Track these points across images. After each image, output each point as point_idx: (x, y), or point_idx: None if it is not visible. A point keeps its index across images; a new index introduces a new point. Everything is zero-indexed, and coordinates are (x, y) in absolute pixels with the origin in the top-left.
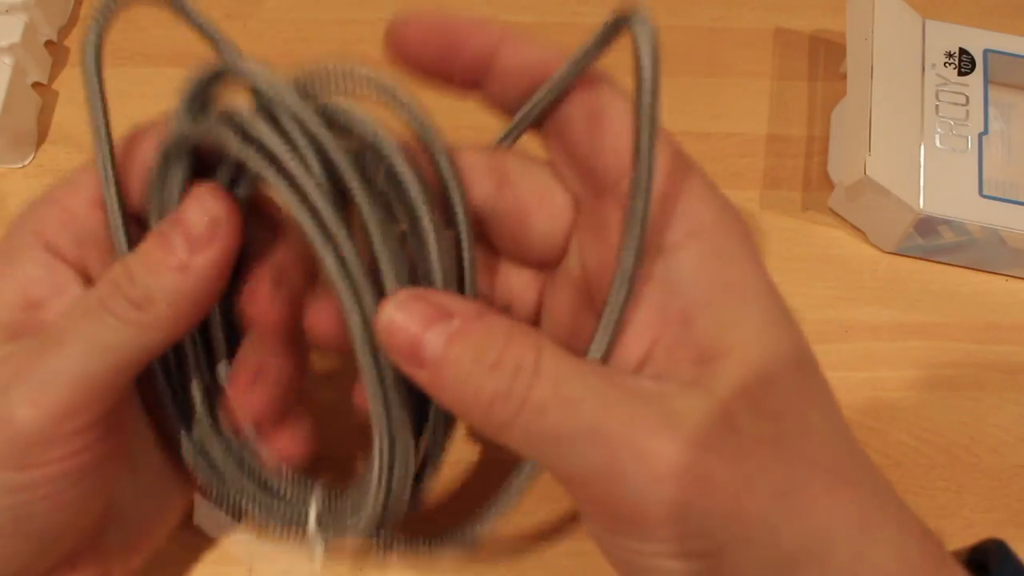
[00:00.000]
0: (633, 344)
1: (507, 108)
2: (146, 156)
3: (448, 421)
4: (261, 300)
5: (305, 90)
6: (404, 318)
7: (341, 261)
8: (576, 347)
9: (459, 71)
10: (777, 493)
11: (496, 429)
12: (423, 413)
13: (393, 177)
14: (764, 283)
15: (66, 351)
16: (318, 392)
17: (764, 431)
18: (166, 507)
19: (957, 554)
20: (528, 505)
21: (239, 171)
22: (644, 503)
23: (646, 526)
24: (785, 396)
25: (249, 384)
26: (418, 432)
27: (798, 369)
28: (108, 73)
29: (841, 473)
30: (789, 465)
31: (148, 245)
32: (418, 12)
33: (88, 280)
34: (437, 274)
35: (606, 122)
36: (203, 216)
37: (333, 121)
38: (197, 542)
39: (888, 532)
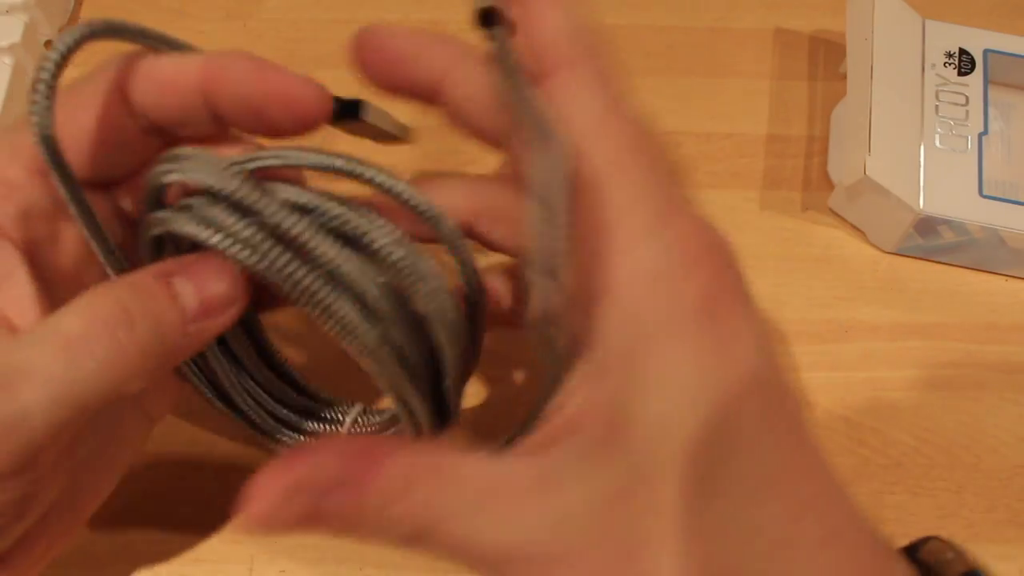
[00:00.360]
0: (567, 403)
1: (466, 126)
2: (88, 118)
3: (475, 345)
4: None
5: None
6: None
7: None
8: None
9: (415, 88)
10: None
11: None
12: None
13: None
14: (693, 335)
15: (34, 393)
16: None
17: (644, 530)
18: (107, 477)
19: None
20: None
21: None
22: None
23: None
24: (679, 488)
25: None
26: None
27: (705, 450)
28: None
29: (726, 568)
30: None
31: (153, 290)
32: (380, 27)
33: (33, 256)
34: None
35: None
36: (221, 283)
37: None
38: (197, 540)
39: None
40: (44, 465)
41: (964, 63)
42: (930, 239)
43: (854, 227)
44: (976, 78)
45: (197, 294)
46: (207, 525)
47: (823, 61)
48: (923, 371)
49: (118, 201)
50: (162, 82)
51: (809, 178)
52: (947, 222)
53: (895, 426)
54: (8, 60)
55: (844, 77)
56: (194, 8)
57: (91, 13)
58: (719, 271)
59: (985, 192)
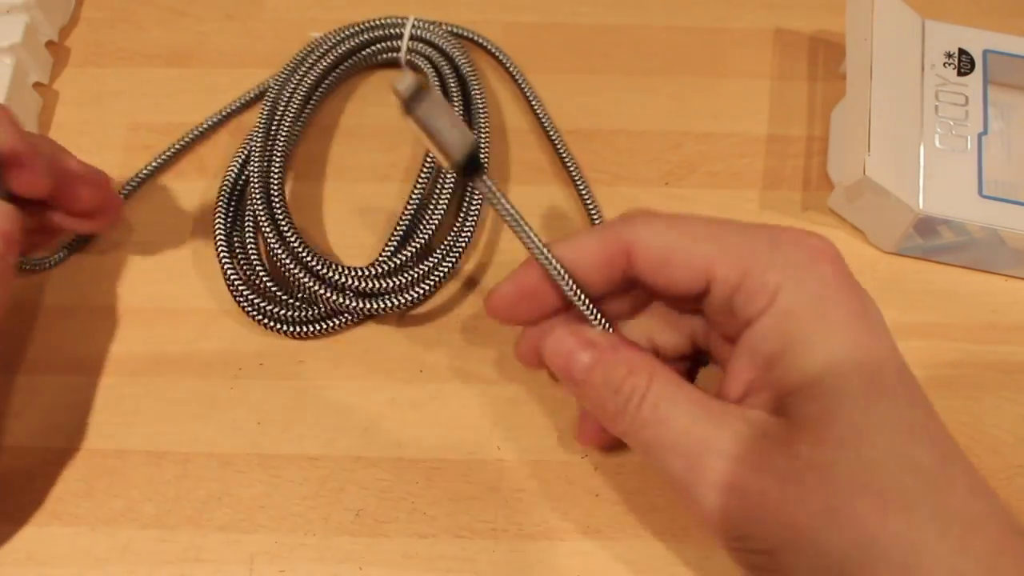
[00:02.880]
0: (734, 384)
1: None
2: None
3: None
4: None
5: None
6: (564, 340)
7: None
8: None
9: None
10: (822, 510)
11: (616, 432)
12: None
13: None
14: (834, 321)
15: None
16: None
17: (819, 458)
18: None
19: None
20: (530, 506)
21: None
22: (707, 507)
23: (709, 524)
24: (845, 426)
25: None
26: None
27: (865, 397)
28: (108, 73)
29: (894, 496)
30: (837, 487)
31: None
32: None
33: None
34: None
35: None
36: (7, 224)
37: None
38: (197, 540)
39: (945, 552)
40: None
41: (964, 63)
42: (930, 239)
43: (854, 227)
44: (976, 78)
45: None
46: (207, 525)
47: (823, 61)
48: (923, 371)
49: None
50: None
51: (809, 178)
52: (947, 222)
53: None
54: (8, 60)
55: (844, 77)
56: (194, 8)
57: (91, 13)
58: (851, 282)
59: (985, 192)
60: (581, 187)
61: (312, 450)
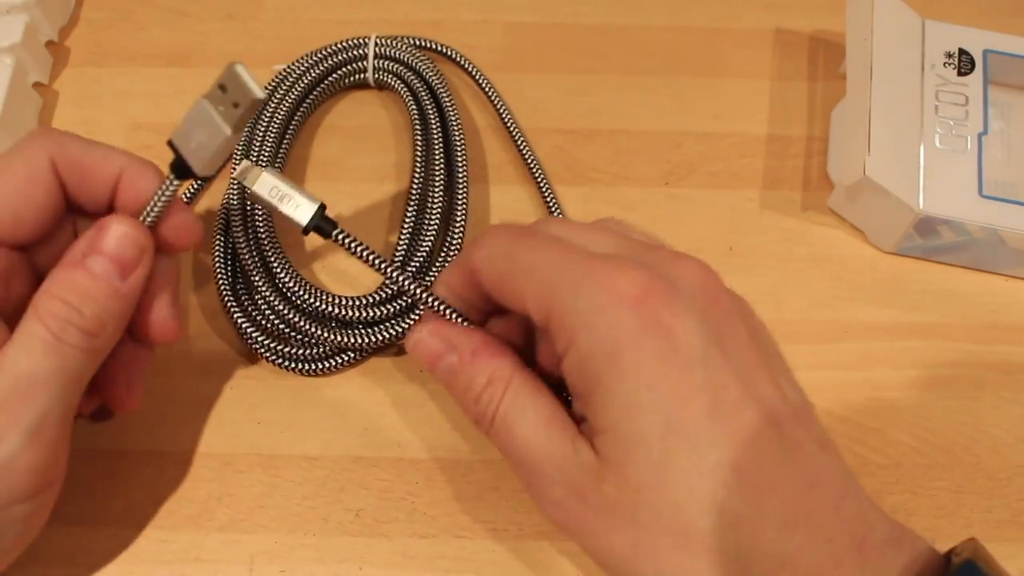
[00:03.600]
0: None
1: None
2: (16, 188)
3: None
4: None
5: None
6: (427, 343)
7: None
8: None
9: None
10: (630, 544)
11: (478, 431)
12: None
13: None
14: (628, 366)
15: (47, 391)
16: None
17: (623, 500)
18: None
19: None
20: (530, 506)
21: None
22: (548, 517)
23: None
24: (644, 471)
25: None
26: None
27: (662, 442)
28: (108, 73)
29: (695, 537)
30: (641, 526)
31: (77, 276)
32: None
33: None
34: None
35: None
36: (127, 244)
37: None
38: (197, 540)
39: None
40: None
41: (964, 63)
42: (930, 239)
43: (854, 227)
44: (976, 78)
45: (111, 262)
46: (207, 525)
47: (823, 61)
48: (923, 371)
49: (33, 259)
50: (90, 171)
51: (809, 178)
52: (947, 222)
53: (894, 426)
54: (8, 60)
55: (844, 77)
56: (194, 8)
57: (91, 13)
58: (661, 322)
59: (985, 192)
60: (543, 185)
61: (312, 450)
